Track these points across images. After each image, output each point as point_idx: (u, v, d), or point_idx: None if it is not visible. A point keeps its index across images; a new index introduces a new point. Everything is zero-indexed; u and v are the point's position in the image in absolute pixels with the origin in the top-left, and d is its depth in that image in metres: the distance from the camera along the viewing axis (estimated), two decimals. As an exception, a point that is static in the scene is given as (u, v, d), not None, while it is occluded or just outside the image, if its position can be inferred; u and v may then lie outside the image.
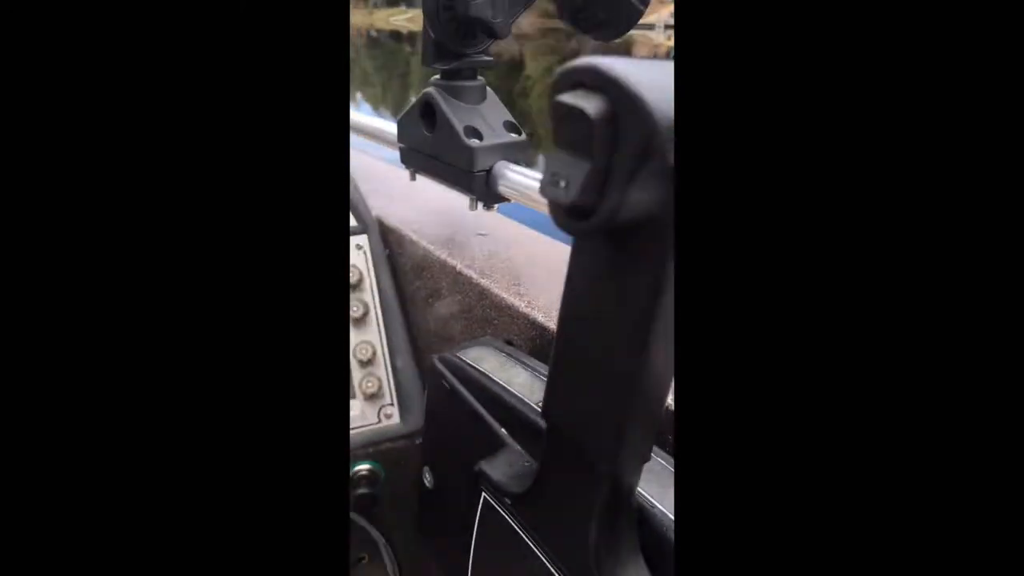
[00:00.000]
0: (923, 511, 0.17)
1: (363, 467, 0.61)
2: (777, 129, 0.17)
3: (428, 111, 0.52)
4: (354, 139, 0.67)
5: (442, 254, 0.55)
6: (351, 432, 0.59)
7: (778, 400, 0.18)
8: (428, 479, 0.46)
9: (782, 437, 0.18)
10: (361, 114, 0.68)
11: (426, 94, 0.52)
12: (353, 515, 0.62)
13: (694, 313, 0.18)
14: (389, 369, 0.61)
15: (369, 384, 0.59)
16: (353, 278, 0.60)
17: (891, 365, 0.17)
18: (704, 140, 0.18)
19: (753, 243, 0.18)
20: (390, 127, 0.61)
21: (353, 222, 0.61)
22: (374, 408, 0.61)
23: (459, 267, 0.53)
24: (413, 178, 0.57)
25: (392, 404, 0.61)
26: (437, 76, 0.52)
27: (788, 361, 0.18)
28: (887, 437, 0.17)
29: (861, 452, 0.17)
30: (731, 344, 0.18)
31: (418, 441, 0.61)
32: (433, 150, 0.53)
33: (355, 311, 0.59)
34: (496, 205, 0.52)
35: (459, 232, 0.59)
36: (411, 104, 0.54)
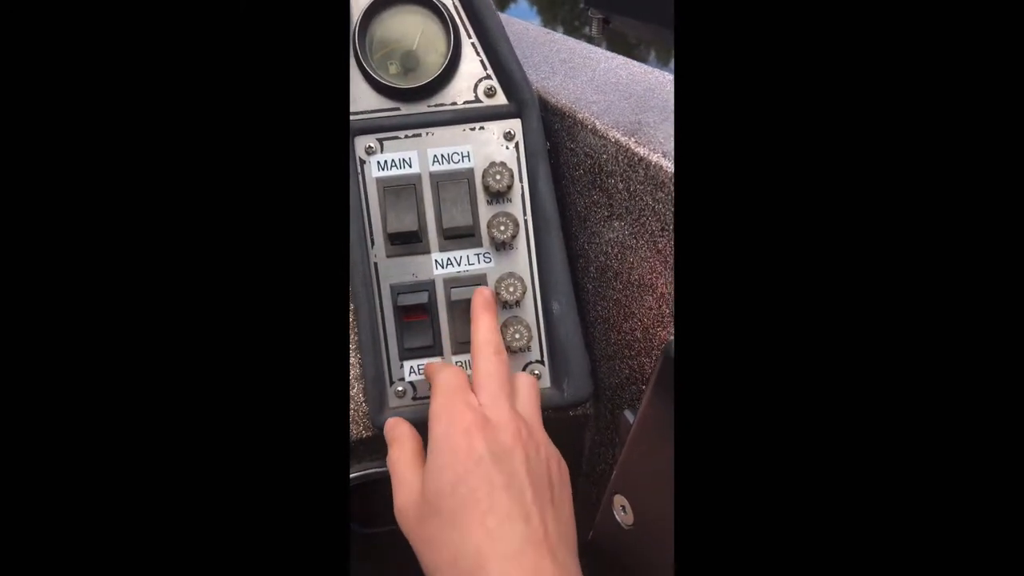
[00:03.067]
0: (915, 504, 0.17)
1: None
2: (773, 134, 0.19)
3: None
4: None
5: (639, 150, 0.36)
6: None
7: (777, 399, 0.18)
8: (621, 515, 0.29)
9: (781, 434, 0.18)
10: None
11: None
12: None
13: (693, 308, 0.19)
14: (540, 314, 0.44)
15: (516, 334, 0.42)
16: (501, 183, 0.41)
17: (890, 365, 0.18)
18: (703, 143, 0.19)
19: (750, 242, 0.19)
20: None
21: (502, 100, 0.42)
22: (517, 364, 0.44)
23: (664, 166, 0.34)
24: (601, 30, 0.37)
25: (542, 362, 0.44)
26: None
27: (787, 360, 0.18)
28: (885, 436, 0.18)
29: (861, 454, 0.18)
30: (730, 342, 0.19)
31: (575, 413, 0.45)
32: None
33: (501, 232, 0.42)
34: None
35: (661, 121, 0.39)
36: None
